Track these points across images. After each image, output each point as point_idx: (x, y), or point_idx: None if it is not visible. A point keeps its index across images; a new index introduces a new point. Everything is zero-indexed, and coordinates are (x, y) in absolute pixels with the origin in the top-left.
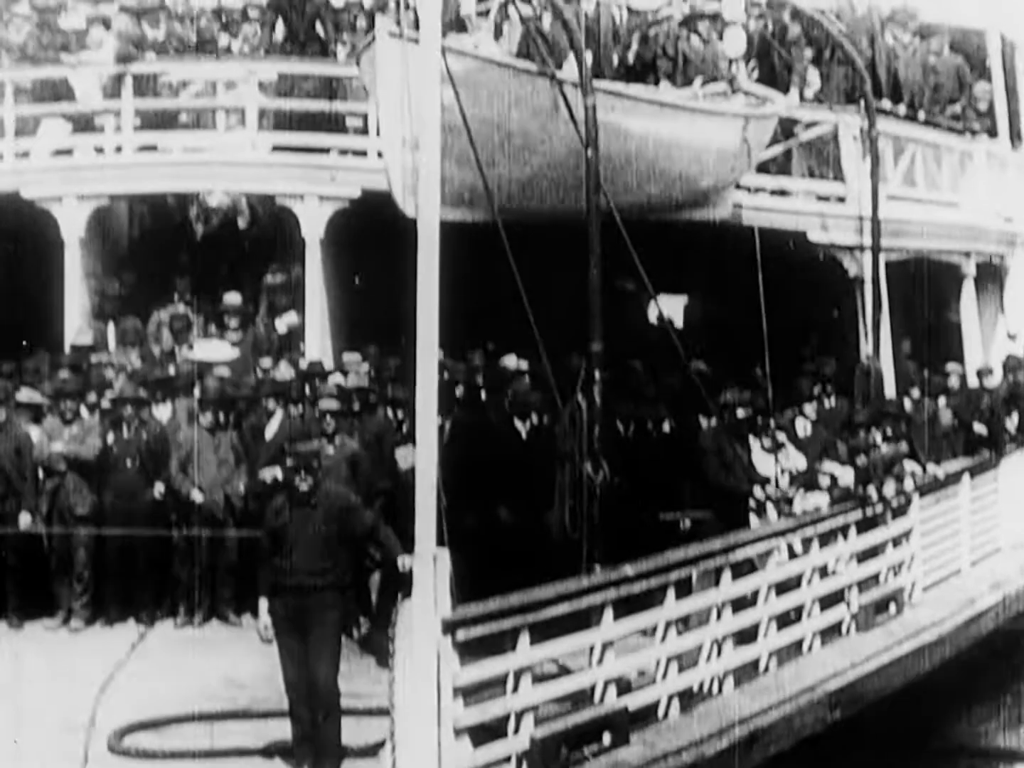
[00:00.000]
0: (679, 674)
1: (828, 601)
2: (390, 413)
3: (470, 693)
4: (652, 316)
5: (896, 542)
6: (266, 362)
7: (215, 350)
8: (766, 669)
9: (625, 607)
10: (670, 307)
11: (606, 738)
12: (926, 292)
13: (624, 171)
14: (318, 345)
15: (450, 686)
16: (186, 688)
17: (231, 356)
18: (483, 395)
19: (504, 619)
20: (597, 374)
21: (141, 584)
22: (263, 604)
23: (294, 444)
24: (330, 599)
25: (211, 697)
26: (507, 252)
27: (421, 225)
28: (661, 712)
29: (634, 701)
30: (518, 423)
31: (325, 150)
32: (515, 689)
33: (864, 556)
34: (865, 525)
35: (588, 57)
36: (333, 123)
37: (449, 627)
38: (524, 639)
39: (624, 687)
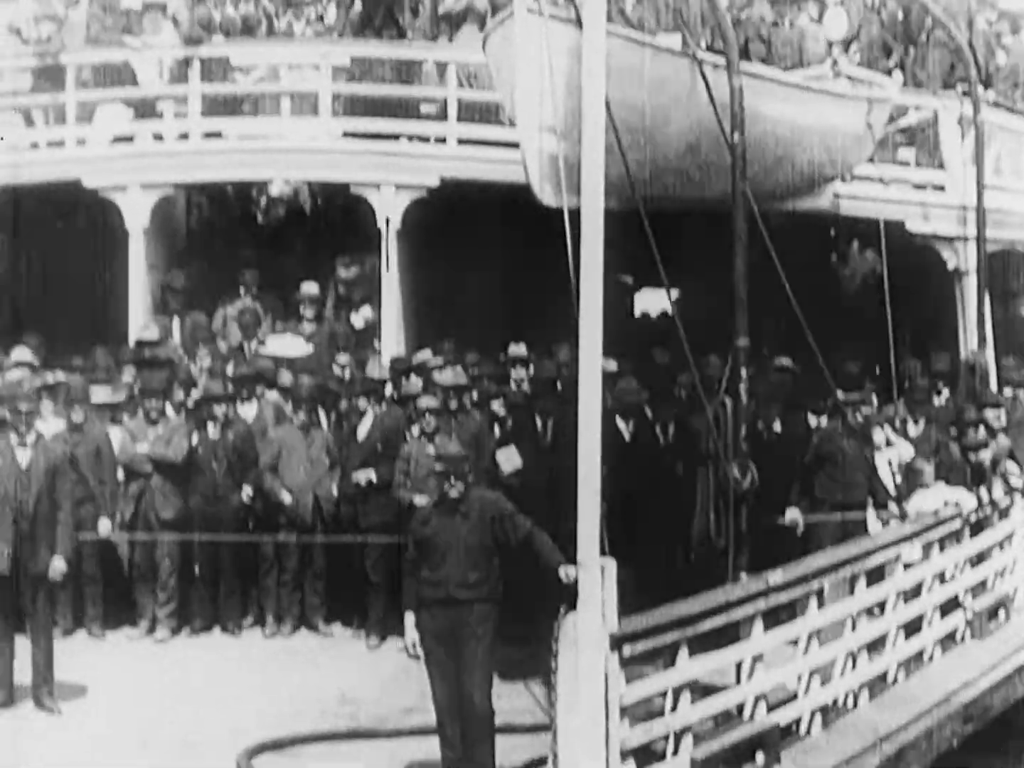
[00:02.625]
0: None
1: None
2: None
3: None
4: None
5: (1001, 545)
6: (343, 358)
7: (288, 345)
8: (895, 680)
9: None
10: (655, 301)
11: (759, 758)
12: (1005, 285)
13: (757, 156)
14: (394, 341)
15: (617, 705)
16: (300, 704)
17: (306, 351)
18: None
19: (666, 633)
20: (743, 371)
21: (228, 592)
22: (410, 619)
23: (443, 448)
24: (483, 612)
25: (327, 714)
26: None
27: (585, 216)
28: (803, 728)
29: (781, 717)
30: (620, 423)
31: (400, 137)
32: (674, 707)
33: (975, 561)
34: (974, 528)
35: (676, 40)
36: (406, 109)
37: (617, 642)
38: (683, 654)
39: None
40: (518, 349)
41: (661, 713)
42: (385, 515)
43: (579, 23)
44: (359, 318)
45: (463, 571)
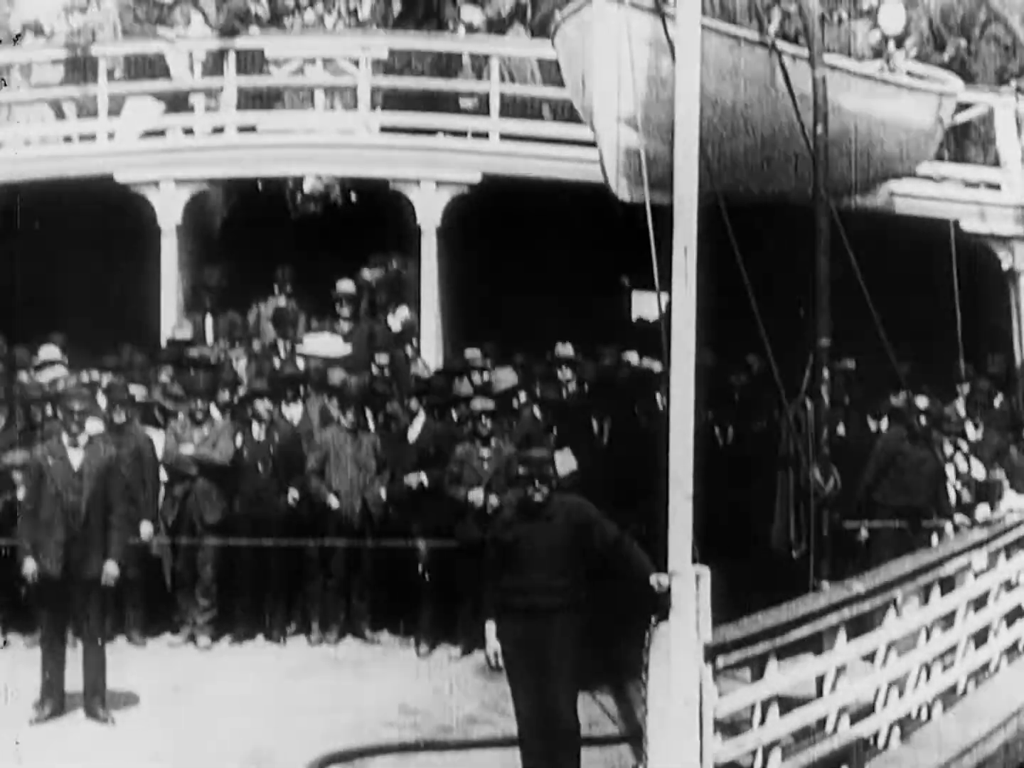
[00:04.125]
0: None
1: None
2: (537, 414)
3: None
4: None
5: None
6: (382, 358)
7: (327, 345)
8: (964, 691)
9: None
10: (647, 305)
11: None
12: None
13: (834, 150)
14: (433, 341)
15: (711, 718)
16: (359, 715)
17: (344, 351)
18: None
19: (757, 643)
20: (826, 372)
21: (272, 598)
22: (491, 628)
23: (526, 450)
24: (568, 621)
25: (389, 725)
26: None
27: (678, 213)
28: (882, 741)
29: (863, 730)
30: None
31: (438, 132)
32: (763, 720)
33: None
34: None
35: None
36: (445, 103)
37: (711, 653)
38: (772, 665)
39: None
40: (565, 349)
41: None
42: (437, 519)
43: (658, 11)
44: (396, 319)
45: (548, 578)
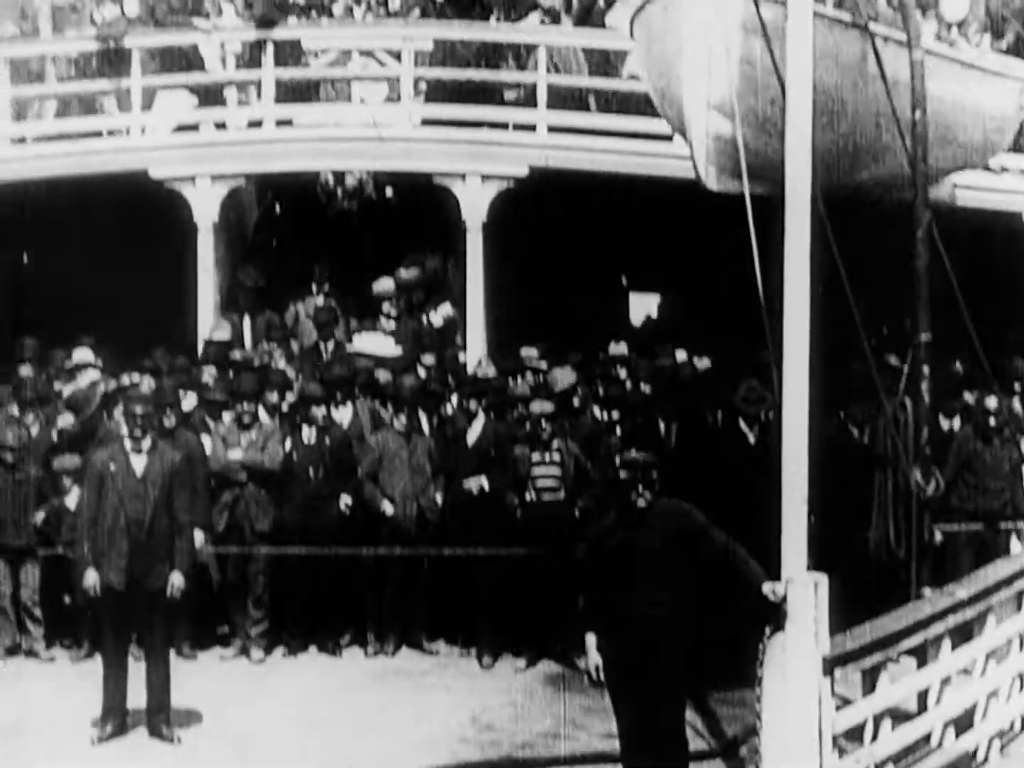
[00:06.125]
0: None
1: None
2: (599, 414)
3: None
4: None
5: None
6: (428, 358)
7: (379, 344)
8: None
9: None
10: (644, 305)
11: None
12: None
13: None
14: (479, 340)
15: (830, 733)
16: (432, 730)
17: (397, 352)
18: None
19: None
20: (926, 369)
21: (326, 608)
22: (591, 640)
23: (627, 453)
24: (673, 633)
25: (465, 741)
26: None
27: (790, 208)
28: (981, 755)
29: (967, 744)
30: (744, 426)
31: (485, 124)
32: (875, 736)
33: None
34: None
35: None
36: (488, 95)
37: (830, 665)
38: (885, 677)
39: None
40: (619, 348)
41: None
42: (498, 525)
43: None
44: (438, 316)
45: (650, 588)
